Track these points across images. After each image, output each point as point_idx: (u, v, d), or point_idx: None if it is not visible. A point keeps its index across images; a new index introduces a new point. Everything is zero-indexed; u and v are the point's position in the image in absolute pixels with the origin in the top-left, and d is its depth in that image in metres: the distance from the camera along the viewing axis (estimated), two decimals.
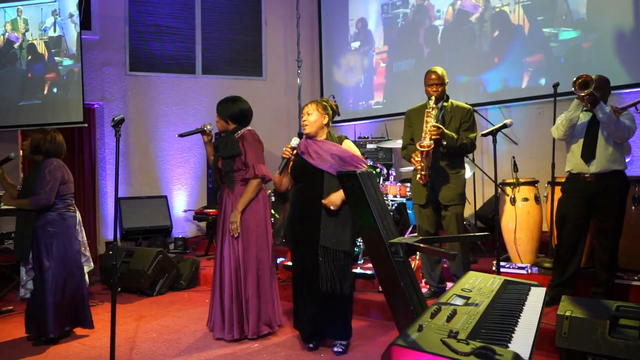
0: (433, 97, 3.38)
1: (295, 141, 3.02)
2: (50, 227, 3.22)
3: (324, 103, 3.05)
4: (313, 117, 2.98)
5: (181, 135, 3.31)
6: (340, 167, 2.82)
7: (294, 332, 3.36)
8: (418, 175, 3.36)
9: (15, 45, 5.65)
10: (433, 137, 3.26)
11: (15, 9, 5.65)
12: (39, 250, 3.19)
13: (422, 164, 3.30)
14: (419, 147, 3.29)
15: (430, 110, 3.35)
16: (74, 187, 3.46)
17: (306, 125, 2.99)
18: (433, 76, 3.44)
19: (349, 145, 3.00)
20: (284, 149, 3.00)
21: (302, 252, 2.99)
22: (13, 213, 4.64)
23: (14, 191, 3.44)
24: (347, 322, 3.01)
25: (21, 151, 3.52)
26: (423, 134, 3.32)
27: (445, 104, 3.48)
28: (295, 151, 3.01)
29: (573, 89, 2.96)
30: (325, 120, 3.01)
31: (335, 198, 2.83)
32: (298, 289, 3.07)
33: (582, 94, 2.93)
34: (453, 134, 3.36)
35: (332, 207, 2.83)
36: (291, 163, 3.05)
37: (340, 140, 3.03)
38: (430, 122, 3.31)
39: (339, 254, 2.84)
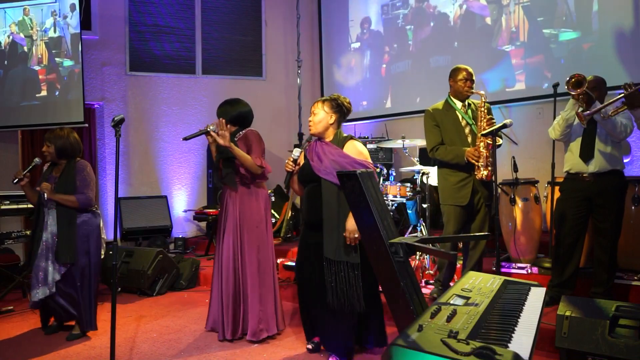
0: (482, 93, 3.33)
1: (296, 152, 2.89)
2: (86, 226, 3.35)
3: (334, 101, 2.85)
4: (318, 117, 2.83)
5: (186, 139, 3.29)
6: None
7: (295, 333, 3.36)
8: (485, 172, 3.22)
9: (18, 46, 5.65)
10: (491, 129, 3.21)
11: (19, 10, 5.64)
12: (78, 250, 3.31)
13: (490, 160, 3.22)
14: (486, 140, 3.21)
15: (482, 104, 3.30)
16: None
17: (311, 125, 2.86)
18: (464, 72, 3.38)
19: (351, 148, 2.80)
20: (287, 161, 2.86)
21: (307, 257, 2.90)
22: (13, 213, 4.66)
23: (34, 197, 3.42)
24: (349, 340, 2.79)
25: (44, 156, 3.43)
26: (482, 130, 3.25)
27: (468, 101, 3.45)
28: (297, 163, 2.89)
29: (566, 88, 2.96)
30: (333, 120, 2.84)
31: (351, 227, 2.62)
32: (301, 291, 3.00)
33: (575, 93, 2.94)
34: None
35: (351, 241, 2.65)
36: (296, 174, 2.93)
37: (344, 141, 2.83)
38: (486, 117, 3.28)
39: (342, 265, 2.67)
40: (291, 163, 2.85)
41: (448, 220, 3.44)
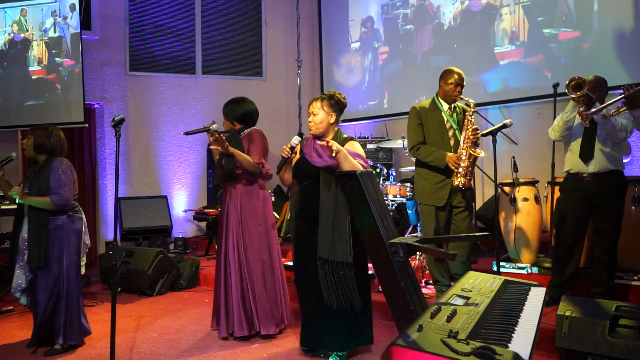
0: (472, 102, 3.35)
1: (295, 140, 2.85)
2: (60, 231, 3.13)
3: (332, 99, 2.83)
4: (319, 117, 2.80)
5: (187, 134, 3.28)
6: (338, 167, 2.67)
7: (295, 333, 3.36)
8: (462, 180, 3.26)
9: (19, 46, 5.65)
10: (476, 139, 3.26)
11: (17, 10, 5.64)
12: (50, 256, 3.09)
13: (470, 169, 3.27)
14: (473, 152, 3.25)
15: (470, 114, 3.33)
16: None
17: (312, 126, 2.83)
18: (456, 76, 3.38)
19: (350, 148, 2.77)
20: (284, 147, 2.83)
21: (302, 256, 2.88)
22: (13, 213, 4.65)
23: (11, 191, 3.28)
24: (348, 334, 2.79)
25: (23, 150, 3.29)
26: (466, 139, 3.29)
27: (454, 104, 3.46)
28: (294, 151, 2.85)
29: (566, 91, 2.97)
30: (333, 119, 2.82)
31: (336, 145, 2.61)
32: (298, 292, 2.97)
33: (575, 96, 2.94)
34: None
35: (333, 147, 2.58)
36: (294, 161, 2.91)
37: (345, 141, 2.82)
38: (472, 127, 3.30)
39: (335, 265, 2.64)
40: (288, 150, 2.81)
41: (426, 220, 3.47)
